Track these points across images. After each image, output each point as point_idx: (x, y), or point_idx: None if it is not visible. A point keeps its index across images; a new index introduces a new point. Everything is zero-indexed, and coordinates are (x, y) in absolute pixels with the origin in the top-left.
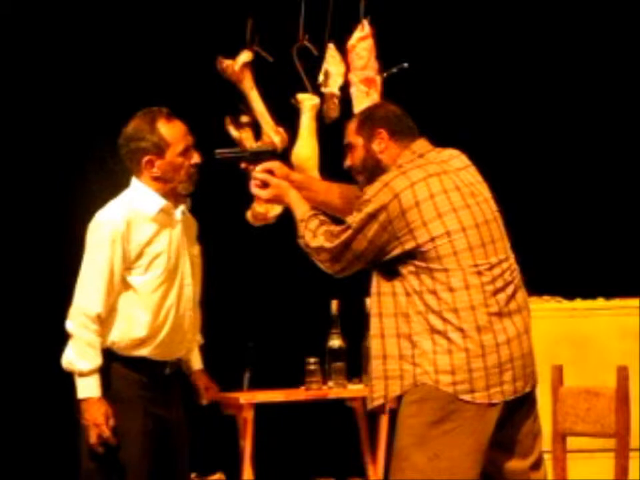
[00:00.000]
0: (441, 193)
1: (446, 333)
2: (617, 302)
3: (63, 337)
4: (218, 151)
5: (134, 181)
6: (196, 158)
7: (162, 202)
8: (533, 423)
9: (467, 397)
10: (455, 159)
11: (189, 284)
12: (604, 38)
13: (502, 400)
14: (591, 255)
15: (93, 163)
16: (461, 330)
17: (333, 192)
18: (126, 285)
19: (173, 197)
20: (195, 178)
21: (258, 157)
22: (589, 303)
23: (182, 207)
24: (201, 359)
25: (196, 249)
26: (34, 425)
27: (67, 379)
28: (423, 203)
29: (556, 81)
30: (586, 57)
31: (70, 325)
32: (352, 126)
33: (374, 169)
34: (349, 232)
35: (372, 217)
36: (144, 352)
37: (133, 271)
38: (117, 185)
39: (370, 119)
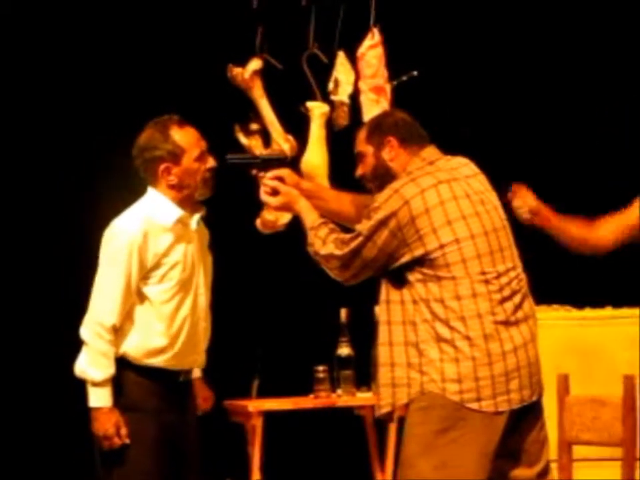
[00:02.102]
0: (450, 200)
1: (453, 341)
2: (625, 311)
3: (77, 343)
4: (229, 156)
5: (150, 191)
6: (211, 162)
7: (179, 212)
8: (539, 432)
9: (474, 406)
10: (464, 167)
11: (202, 293)
12: (609, 50)
13: (508, 408)
14: (600, 264)
15: (107, 170)
16: (467, 338)
17: (342, 200)
18: (141, 295)
19: (190, 204)
20: (212, 183)
21: (269, 163)
22: (597, 312)
23: (197, 216)
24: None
25: (208, 258)
26: (48, 431)
27: (82, 385)
28: (432, 210)
29: (567, 94)
30: (597, 69)
31: (84, 333)
32: (362, 135)
33: (385, 177)
34: (359, 239)
35: (382, 223)
36: (159, 362)
37: (149, 280)
38: (132, 191)
39: (379, 127)
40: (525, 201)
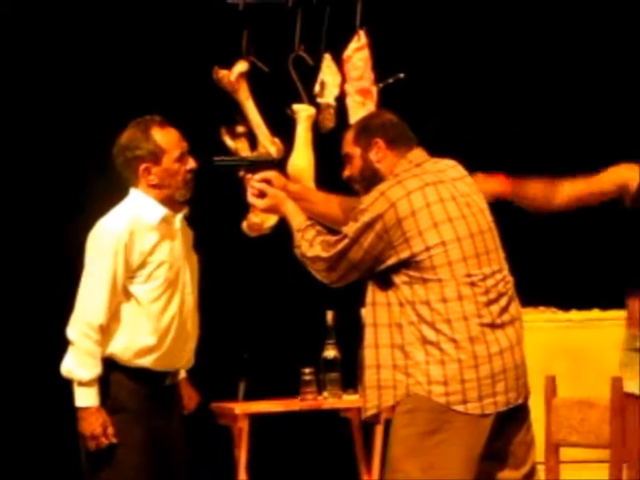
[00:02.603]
0: (437, 202)
1: (439, 343)
2: (612, 313)
3: (63, 343)
4: (217, 158)
5: (132, 191)
6: (191, 163)
7: (163, 211)
8: (525, 434)
9: (460, 408)
10: (451, 169)
11: (189, 293)
12: (589, 46)
13: (495, 411)
14: (586, 266)
15: (92, 170)
16: (453, 341)
17: (330, 203)
18: (127, 295)
19: (171, 204)
20: (191, 184)
21: (256, 166)
22: (584, 314)
23: (180, 215)
24: (185, 369)
25: (194, 258)
26: (35, 431)
27: (69, 385)
28: (419, 212)
29: (551, 96)
30: (581, 74)
31: (71, 332)
32: (349, 136)
33: (372, 179)
34: (345, 241)
35: (368, 226)
36: (146, 362)
37: (135, 280)
38: (118, 191)
39: (367, 129)
40: (485, 189)
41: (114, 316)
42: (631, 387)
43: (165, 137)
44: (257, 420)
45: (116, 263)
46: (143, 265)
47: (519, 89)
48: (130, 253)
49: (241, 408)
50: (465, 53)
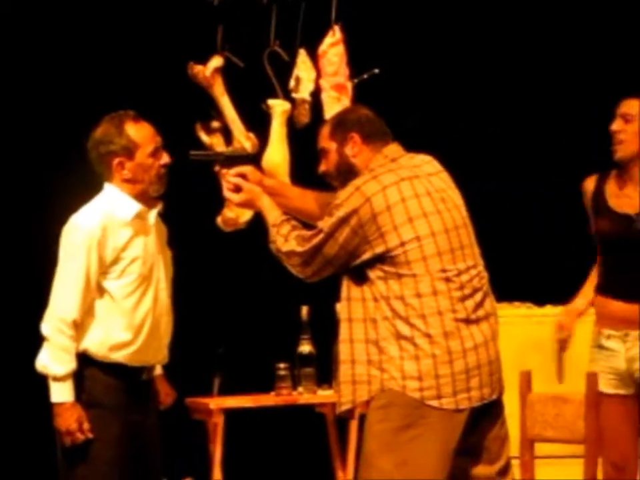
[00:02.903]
0: (412, 197)
1: (413, 338)
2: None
3: (38, 339)
4: (192, 152)
5: (107, 186)
6: (165, 158)
7: (137, 207)
8: (500, 429)
9: (434, 403)
10: (427, 165)
11: (163, 289)
12: (574, 45)
13: (469, 406)
14: (561, 261)
15: (66, 166)
16: (428, 336)
17: (305, 198)
18: (101, 290)
19: (145, 199)
20: (165, 179)
21: (232, 160)
22: (559, 309)
23: (155, 211)
24: (160, 364)
25: (167, 253)
26: (10, 427)
27: (44, 381)
28: (394, 207)
29: (530, 91)
30: (560, 67)
31: (45, 328)
32: (325, 131)
33: (348, 174)
34: (321, 236)
35: (343, 220)
36: (120, 358)
37: (109, 275)
38: (92, 187)
39: (342, 124)
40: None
41: (88, 311)
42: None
43: (139, 132)
44: (231, 415)
45: (89, 259)
46: (116, 260)
47: (495, 85)
48: (103, 248)
49: (216, 403)
50: (440, 48)
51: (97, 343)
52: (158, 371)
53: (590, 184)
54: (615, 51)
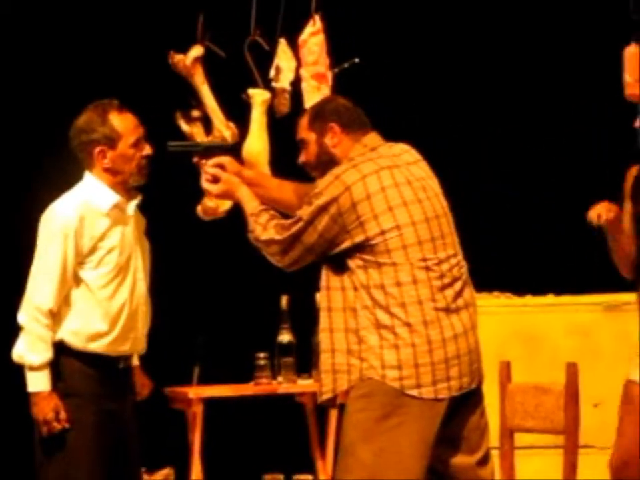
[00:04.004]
0: (392, 186)
1: (393, 327)
2: (567, 298)
3: (15, 328)
4: (170, 143)
5: (87, 175)
6: (147, 149)
7: (116, 197)
8: (479, 419)
9: (414, 392)
10: (406, 154)
11: (141, 279)
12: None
13: (448, 395)
14: (541, 251)
15: (47, 154)
16: (407, 325)
17: (284, 189)
18: (78, 280)
19: (124, 190)
20: (146, 170)
21: (210, 151)
22: (539, 299)
23: (134, 202)
24: (137, 355)
25: (145, 244)
26: None
27: (21, 370)
28: (374, 196)
29: (503, 74)
30: (544, 57)
31: (22, 318)
32: (304, 122)
33: (328, 164)
34: (300, 224)
35: (323, 209)
36: (97, 347)
37: (85, 265)
38: (73, 176)
39: (321, 114)
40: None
41: (64, 301)
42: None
43: (122, 122)
44: (211, 404)
45: (66, 248)
46: (93, 250)
47: (473, 72)
48: (80, 238)
49: (195, 392)
50: (420, 37)
51: (73, 332)
52: (135, 361)
53: (634, 170)
54: (616, 51)
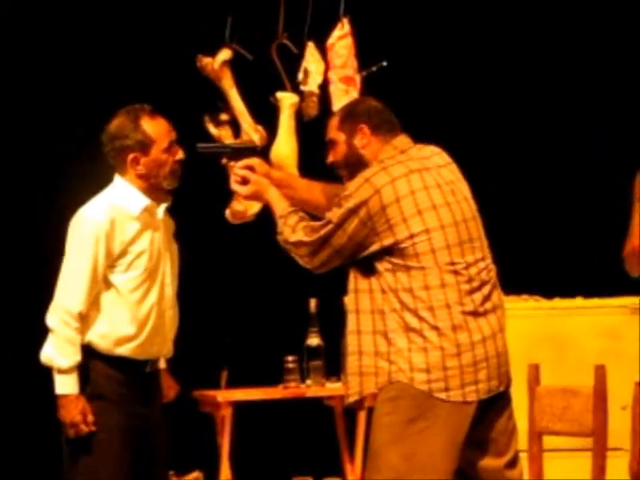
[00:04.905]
0: (421, 189)
1: (421, 331)
2: (595, 301)
3: (43, 330)
4: (200, 145)
5: (117, 179)
6: (180, 154)
7: (146, 201)
8: (507, 422)
9: (442, 395)
10: (436, 156)
11: (169, 283)
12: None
13: (476, 399)
14: (570, 254)
15: (75, 158)
16: (436, 328)
17: (313, 190)
18: (107, 283)
19: (156, 193)
20: (179, 174)
21: (239, 153)
22: (567, 302)
23: (164, 206)
24: (165, 358)
25: (174, 248)
26: (15, 419)
27: (49, 373)
28: (403, 199)
29: (533, 80)
30: (555, 59)
31: (51, 320)
32: (334, 122)
33: (356, 165)
34: (329, 227)
35: (352, 212)
36: (125, 351)
37: (115, 269)
38: (100, 180)
39: (351, 115)
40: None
41: (93, 304)
42: None
43: (154, 127)
44: (239, 408)
45: (96, 251)
46: (123, 254)
47: (503, 76)
48: (111, 241)
49: (224, 396)
50: (448, 40)
51: (101, 335)
52: (162, 364)
53: None
54: (618, 51)
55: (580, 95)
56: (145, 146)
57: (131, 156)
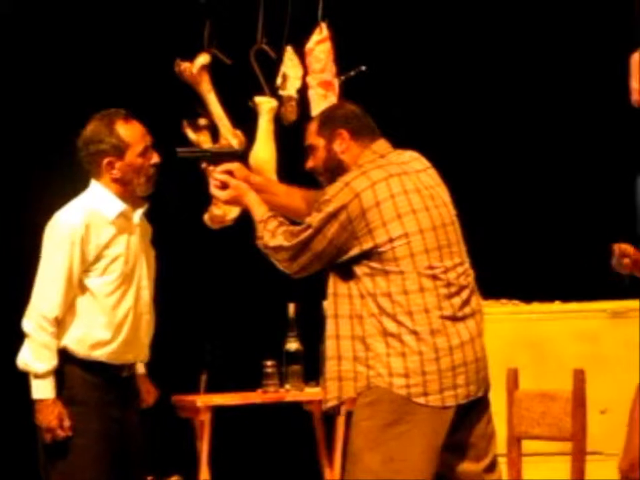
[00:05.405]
0: (401, 193)
1: (400, 335)
2: (574, 305)
3: (19, 336)
4: (179, 149)
5: (93, 183)
6: (155, 158)
7: (122, 206)
8: (486, 426)
9: (421, 400)
10: (415, 161)
11: (145, 287)
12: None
13: (455, 403)
14: (548, 259)
15: (52, 163)
16: (414, 333)
17: (293, 195)
18: (83, 288)
19: (132, 199)
20: (154, 179)
21: (219, 157)
22: (545, 307)
23: (140, 211)
24: (143, 363)
25: (151, 252)
26: None
27: (25, 378)
28: (383, 203)
29: (516, 85)
30: (536, 63)
31: (27, 325)
32: (312, 127)
33: (336, 170)
34: (309, 231)
35: (332, 216)
36: (101, 355)
37: (91, 273)
38: (77, 183)
39: (330, 120)
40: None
41: (69, 309)
42: None
43: (129, 131)
44: (218, 412)
45: (72, 256)
46: (98, 258)
47: (481, 82)
48: (86, 245)
49: (203, 400)
50: (427, 44)
51: (77, 340)
52: (140, 369)
53: None
54: (618, 55)
55: (559, 100)
56: (119, 150)
57: (105, 160)
